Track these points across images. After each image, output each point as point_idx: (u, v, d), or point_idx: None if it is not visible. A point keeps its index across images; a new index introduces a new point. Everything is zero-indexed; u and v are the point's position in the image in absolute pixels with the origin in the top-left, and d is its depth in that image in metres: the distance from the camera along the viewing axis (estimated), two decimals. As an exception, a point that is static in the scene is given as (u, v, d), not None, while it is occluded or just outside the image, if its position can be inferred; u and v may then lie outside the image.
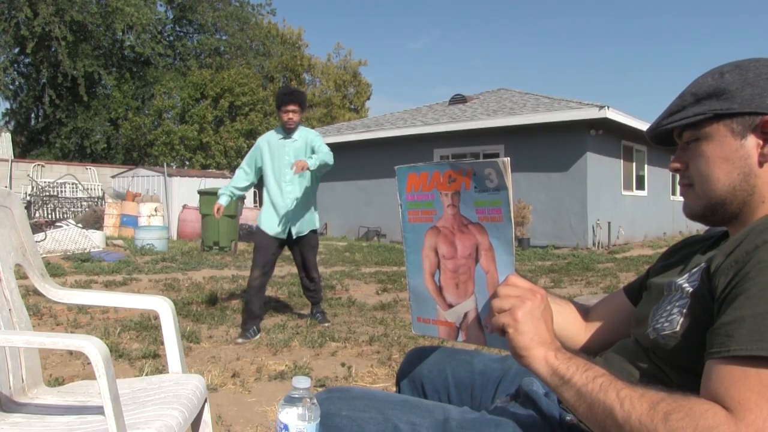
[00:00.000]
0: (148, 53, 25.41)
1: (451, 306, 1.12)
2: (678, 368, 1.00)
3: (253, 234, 5.16)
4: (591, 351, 1.30)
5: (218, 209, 4.74)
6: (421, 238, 1.14)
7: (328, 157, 4.66)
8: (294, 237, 4.80)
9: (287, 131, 4.79)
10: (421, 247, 1.14)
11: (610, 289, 7.17)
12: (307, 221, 4.86)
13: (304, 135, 4.85)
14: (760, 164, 1.02)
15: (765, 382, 0.80)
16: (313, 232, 4.96)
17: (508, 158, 0.98)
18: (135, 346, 4.13)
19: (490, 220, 1.02)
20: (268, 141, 4.84)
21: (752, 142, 1.02)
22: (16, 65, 25.05)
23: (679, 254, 1.22)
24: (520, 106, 15.02)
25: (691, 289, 1.00)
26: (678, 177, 1.18)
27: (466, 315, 1.11)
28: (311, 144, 4.80)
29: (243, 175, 4.90)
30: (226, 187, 4.92)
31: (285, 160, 4.74)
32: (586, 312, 1.40)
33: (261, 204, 4.77)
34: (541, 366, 0.97)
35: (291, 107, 4.71)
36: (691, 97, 1.08)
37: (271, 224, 4.74)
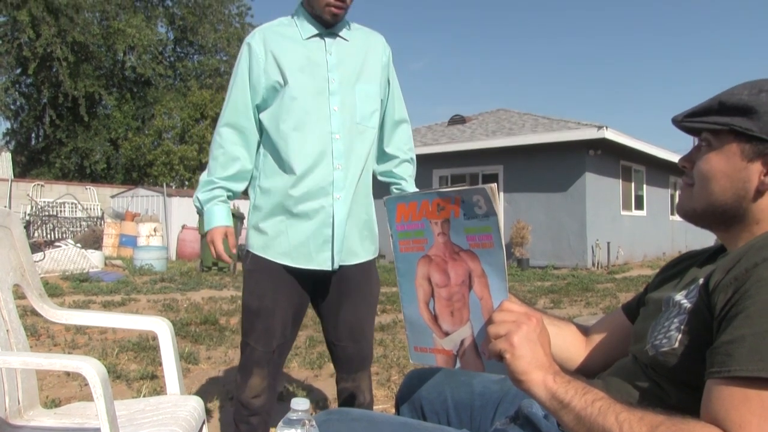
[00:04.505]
0: (149, 74, 25.58)
1: (447, 334, 1.12)
2: (677, 385, 1.00)
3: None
4: (591, 371, 1.29)
5: (227, 239, 2.17)
6: (413, 268, 1.14)
7: (411, 158, 2.42)
8: (334, 268, 2.10)
9: (326, 22, 2.10)
10: (414, 276, 1.14)
11: (610, 309, 7.15)
12: (363, 234, 2.20)
13: (363, 36, 2.24)
14: (758, 191, 1.01)
15: (766, 404, 0.79)
16: (372, 261, 2.27)
17: (496, 184, 0.98)
18: (133, 367, 4.11)
19: (481, 246, 1.02)
20: (284, 39, 2.11)
21: (756, 168, 1.01)
22: (17, 85, 25.19)
23: (676, 268, 1.23)
24: (518, 127, 15.08)
25: (689, 305, 1.00)
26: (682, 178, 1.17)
27: (462, 342, 1.10)
28: (386, 68, 2.27)
29: (236, 146, 2.13)
30: (208, 183, 2.16)
31: (321, 82, 2.08)
32: (585, 332, 1.39)
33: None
34: (540, 390, 0.97)
35: None
36: (719, 104, 1.06)
37: (290, 239, 2.08)
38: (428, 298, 1.13)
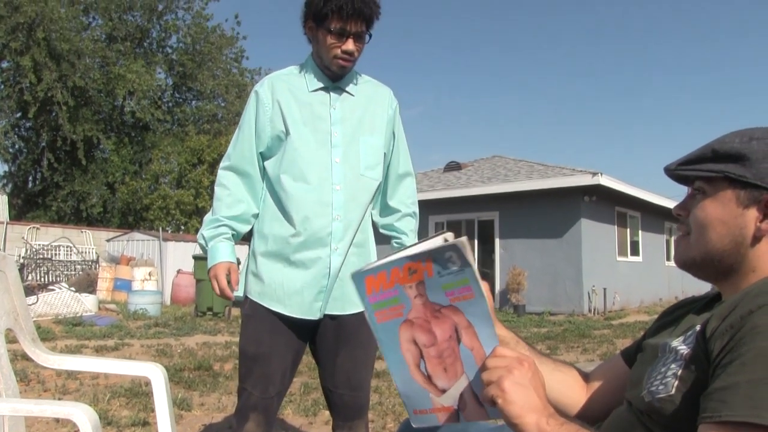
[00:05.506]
0: (148, 119, 25.82)
1: (444, 391, 1.09)
2: None
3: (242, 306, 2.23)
4: (591, 418, 1.28)
5: (230, 277, 2.10)
6: (395, 336, 1.08)
7: (413, 219, 2.40)
8: (332, 316, 2.14)
9: (332, 75, 2.13)
10: (397, 345, 1.09)
11: (607, 356, 7.09)
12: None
13: (371, 89, 2.26)
14: (755, 237, 1.03)
15: None
16: None
17: (466, 237, 0.97)
18: (124, 414, 4.04)
19: (463, 299, 1.00)
20: (290, 90, 2.14)
21: (752, 214, 1.02)
22: (17, 129, 25.39)
23: (673, 315, 1.23)
24: (514, 173, 15.21)
25: (685, 352, 1.00)
26: (677, 225, 1.18)
27: (462, 395, 1.08)
28: (391, 122, 2.28)
29: (241, 189, 2.17)
30: (213, 221, 2.15)
31: (323, 135, 2.11)
32: (585, 378, 1.39)
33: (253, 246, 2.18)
34: None
35: (353, 27, 2.00)
36: (711, 152, 1.08)
37: (285, 287, 2.07)
38: (418, 360, 1.09)
